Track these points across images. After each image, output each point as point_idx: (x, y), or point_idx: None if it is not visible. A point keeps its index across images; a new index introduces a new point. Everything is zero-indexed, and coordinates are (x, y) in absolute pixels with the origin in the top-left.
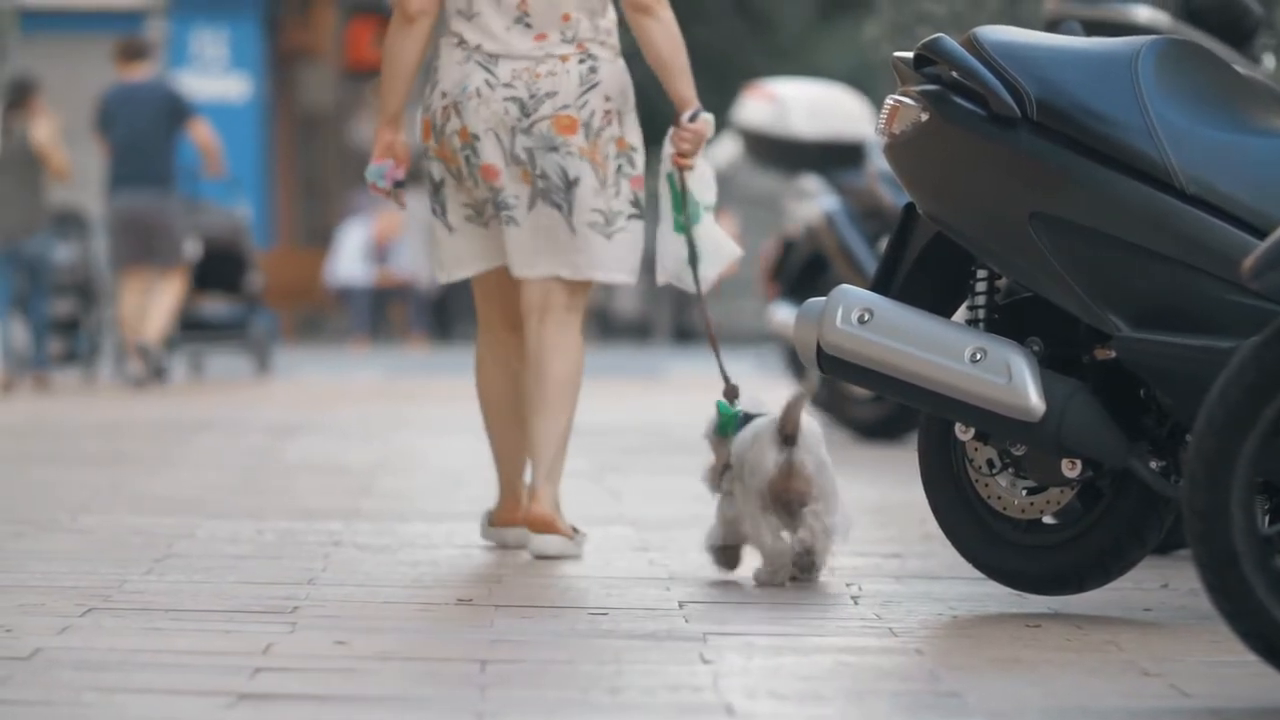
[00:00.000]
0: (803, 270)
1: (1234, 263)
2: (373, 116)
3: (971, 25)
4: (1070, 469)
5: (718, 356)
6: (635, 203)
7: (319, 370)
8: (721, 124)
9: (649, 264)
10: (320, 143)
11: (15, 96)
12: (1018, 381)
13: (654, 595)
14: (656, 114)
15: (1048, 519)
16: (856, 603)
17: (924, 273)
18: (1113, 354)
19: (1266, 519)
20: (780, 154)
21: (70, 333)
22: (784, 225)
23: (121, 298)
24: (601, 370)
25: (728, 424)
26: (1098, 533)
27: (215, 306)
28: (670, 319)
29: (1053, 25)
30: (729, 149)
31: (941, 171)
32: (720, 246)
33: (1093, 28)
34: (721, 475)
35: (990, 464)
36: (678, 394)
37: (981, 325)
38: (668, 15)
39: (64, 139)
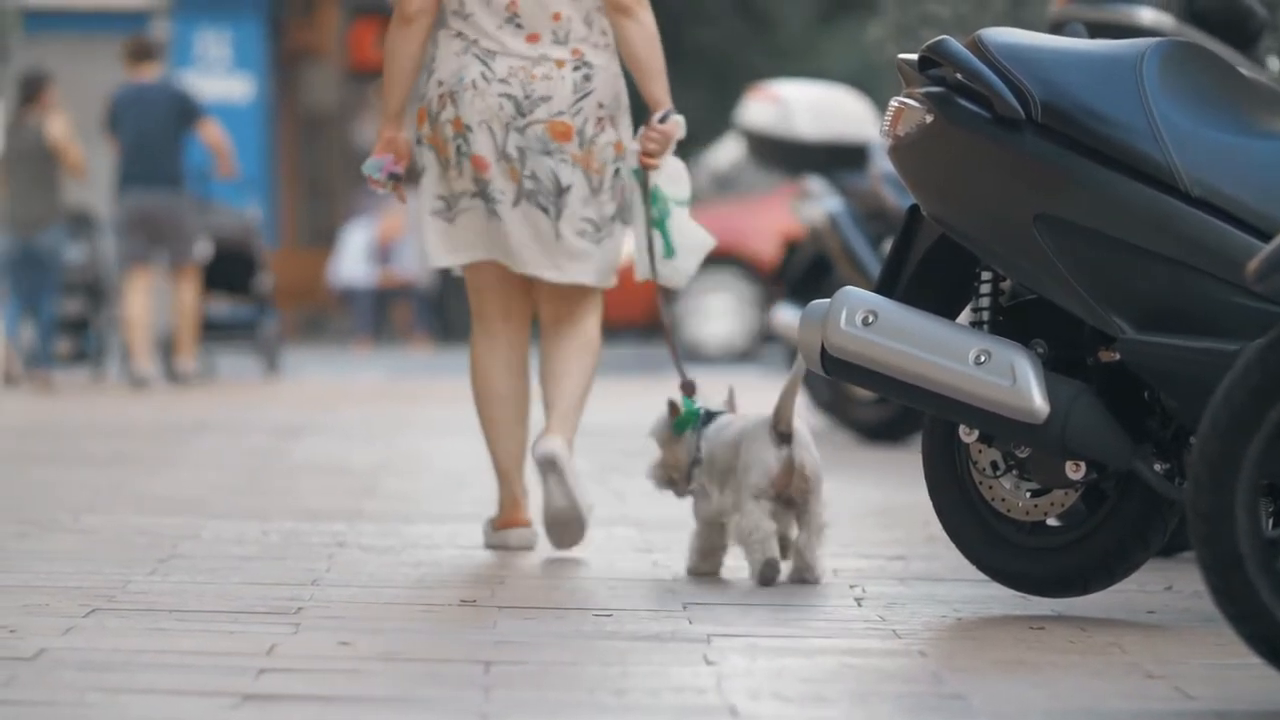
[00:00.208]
0: (806, 272)
1: (1238, 265)
2: (376, 117)
3: (976, 27)
4: (1074, 471)
5: (674, 352)
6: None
7: (322, 371)
8: (726, 126)
9: None
10: (324, 143)
11: (27, 91)
12: (1022, 383)
13: (658, 597)
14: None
15: (1052, 521)
16: (860, 605)
17: (928, 275)
18: (1117, 356)
19: (1271, 521)
20: (784, 155)
21: (79, 332)
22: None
23: (128, 297)
24: (605, 370)
25: (688, 420)
26: (1102, 535)
27: (225, 307)
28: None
29: (1057, 27)
30: (732, 150)
31: (946, 173)
32: (693, 238)
33: (1097, 30)
34: (689, 472)
35: (994, 466)
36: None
37: (985, 327)
38: (647, 17)
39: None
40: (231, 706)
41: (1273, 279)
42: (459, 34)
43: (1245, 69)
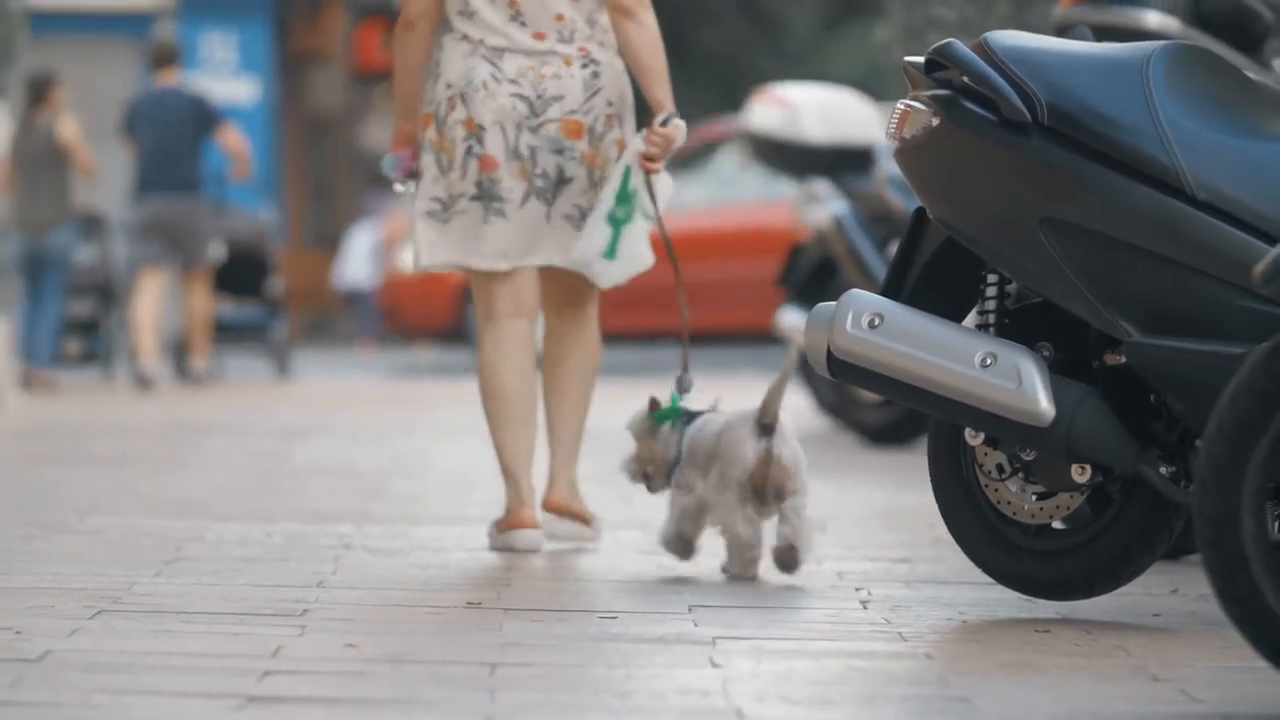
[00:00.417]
0: (812, 275)
1: (1244, 268)
2: (381, 119)
3: (982, 30)
4: (1080, 474)
5: (685, 348)
6: None
7: (327, 373)
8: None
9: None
10: (329, 145)
11: (36, 92)
12: (1028, 386)
13: (663, 599)
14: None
15: (1057, 524)
16: (866, 607)
17: (934, 277)
18: (1123, 359)
19: (1277, 525)
20: (790, 158)
21: (89, 333)
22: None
23: (137, 299)
24: (611, 371)
25: (669, 414)
26: (1107, 538)
27: (236, 309)
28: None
29: (1063, 30)
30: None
31: (952, 176)
32: (636, 252)
33: (1103, 33)
34: (670, 468)
35: (1000, 469)
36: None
37: (992, 330)
38: (649, 18)
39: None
40: (236, 708)
41: (1279, 282)
42: (464, 36)
43: (1251, 72)
